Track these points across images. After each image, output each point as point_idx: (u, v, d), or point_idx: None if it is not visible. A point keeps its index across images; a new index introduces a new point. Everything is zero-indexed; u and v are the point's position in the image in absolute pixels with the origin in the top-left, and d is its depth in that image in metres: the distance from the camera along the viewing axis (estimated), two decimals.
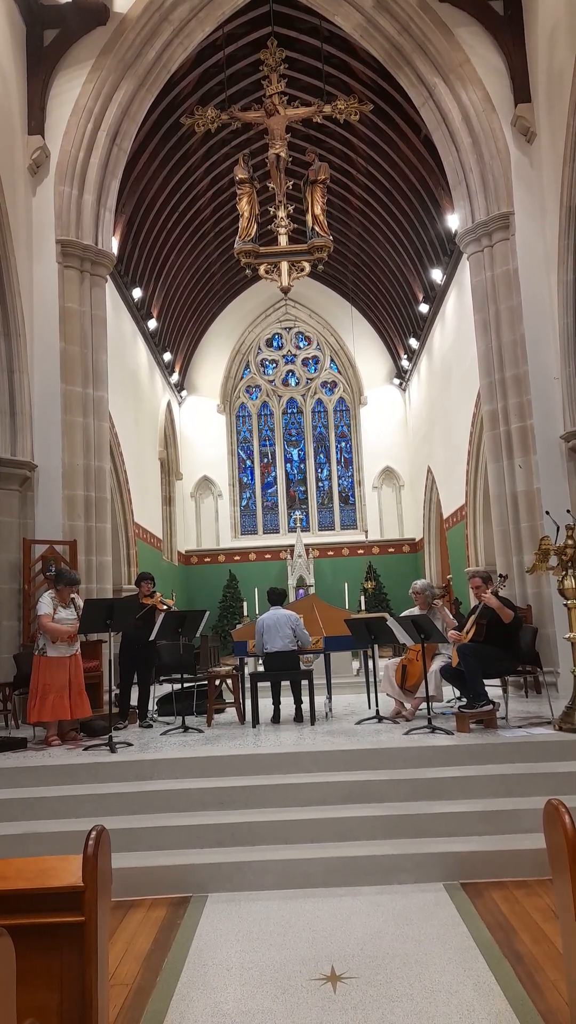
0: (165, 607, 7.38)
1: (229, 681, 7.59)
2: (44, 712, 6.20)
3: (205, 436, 20.52)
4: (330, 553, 20.00)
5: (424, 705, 6.41)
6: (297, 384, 21.42)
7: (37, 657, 6.34)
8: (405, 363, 19.14)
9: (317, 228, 8.62)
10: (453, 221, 10.99)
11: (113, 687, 7.09)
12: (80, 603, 6.59)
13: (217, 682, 7.55)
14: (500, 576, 6.74)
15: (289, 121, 8.93)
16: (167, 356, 17.66)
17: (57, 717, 6.28)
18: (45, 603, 6.41)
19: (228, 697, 8.39)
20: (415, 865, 4.31)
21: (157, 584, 8.16)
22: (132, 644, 7.13)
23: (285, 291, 8.91)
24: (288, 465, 21.18)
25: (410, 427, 19.94)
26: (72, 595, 6.56)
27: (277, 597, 7.39)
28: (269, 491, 21.05)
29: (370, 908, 3.94)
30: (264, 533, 20.71)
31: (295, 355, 21.48)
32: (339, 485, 21.03)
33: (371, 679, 7.67)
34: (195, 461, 20.27)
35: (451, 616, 7.01)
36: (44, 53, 8.74)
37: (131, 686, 7.31)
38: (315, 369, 21.44)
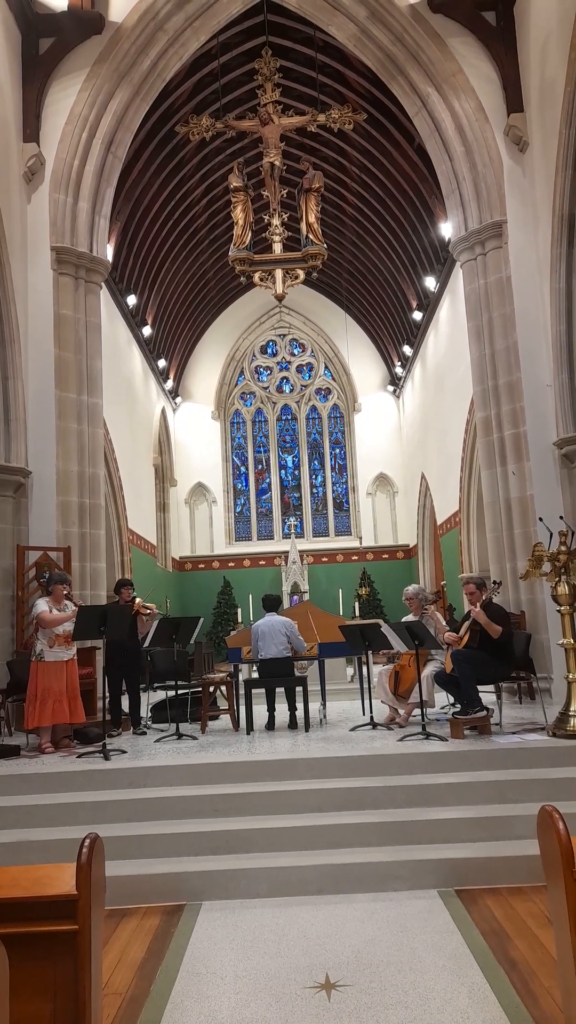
0: (148, 611, 7.35)
1: (223, 688, 7.58)
2: (44, 717, 6.19)
3: (199, 443, 20.53)
4: (324, 559, 20.01)
5: (418, 711, 6.41)
6: (291, 391, 21.46)
7: (35, 663, 6.32)
8: (399, 370, 19.20)
9: (311, 236, 8.65)
10: (446, 229, 11.07)
11: (106, 694, 7.06)
12: (74, 605, 6.59)
13: (211, 689, 7.54)
14: (494, 583, 6.76)
15: (283, 130, 8.97)
16: (162, 363, 17.68)
17: (56, 721, 6.27)
18: (40, 604, 6.42)
19: (222, 704, 8.37)
20: (409, 872, 4.31)
21: (154, 590, 8.13)
22: (115, 652, 7.03)
23: (279, 298, 8.92)
24: (282, 471, 21.20)
25: (404, 434, 19.99)
26: (65, 594, 6.56)
27: (272, 603, 7.39)
28: (263, 497, 21.06)
29: (364, 915, 3.93)
30: (258, 539, 20.71)
31: (289, 362, 21.53)
32: (333, 491, 21.05)
33: (365, 685, 7.67)
34: (189, 467, 20.27)
35: (443, 622, 7.02)
36: (39, 61, 8.77)
37: (119, 693, 7.26)
38: (309, 376, 21.49)
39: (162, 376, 18.09)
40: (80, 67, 8.87)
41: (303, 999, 3.10)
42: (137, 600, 7.45)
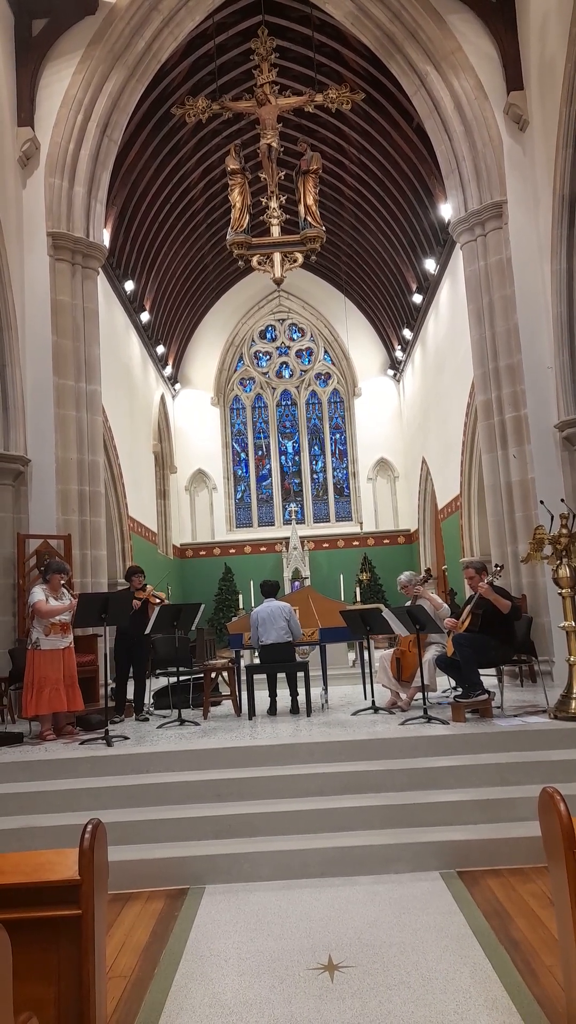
0: (158, 600, 7.37)
1: (225, 674, 7.60)
2: (41, 705, 6.20)
3: (199, 429, 20.47)
4: (325, 545, 20.01)
5: (420, 695, 6.42)
6: (291, 376, 21.37)
7: (31, 651, 6.32)
8: (399, 354, 19.10)
9: (309, 219, 8.55)
10: (446, 210, 10.95)
11: (109, 681, 7.09)
12: (71, 594, 6.59)
13: (213, 675, 7.56)
14: (496, 566, 6.75)
15: (281, 111, 8.85)
16: (160, 349, 17.59)
17: (53, 709, 6.28)
18: (37, 592, 6.41)
19: (224, 690, 8.39)
20: (412, 854, 4.33)
21: (154, 577, 8.16)
22: (126, 638, 7.12)
23: (278, 282, 8.85)
24: (283, 457, 21.15)
25: (404, 418, 19.92)
26: (63, 584, 6.55)
27: (270, 589, 7.40)
28: (264, 484, 21.03)
29: (367, 897, 3.96)
30: (259, 526, 20.69)
31: (289, 347, 21.42)
32: (334, 477, 21.01)
33: (367, 670, 7.68)
34: (189, 454, 20.22)
35: (438, 598, 7.03)
36: (33, 43, 8.65)
37: (127, 680, 7.31)
38: (309, 361, 21.39)
39: (161, 362, 18.01)
40: (74, 49, 8.76)
41: (306, 980, 3.12)
42: (149, 588, 7.47)
